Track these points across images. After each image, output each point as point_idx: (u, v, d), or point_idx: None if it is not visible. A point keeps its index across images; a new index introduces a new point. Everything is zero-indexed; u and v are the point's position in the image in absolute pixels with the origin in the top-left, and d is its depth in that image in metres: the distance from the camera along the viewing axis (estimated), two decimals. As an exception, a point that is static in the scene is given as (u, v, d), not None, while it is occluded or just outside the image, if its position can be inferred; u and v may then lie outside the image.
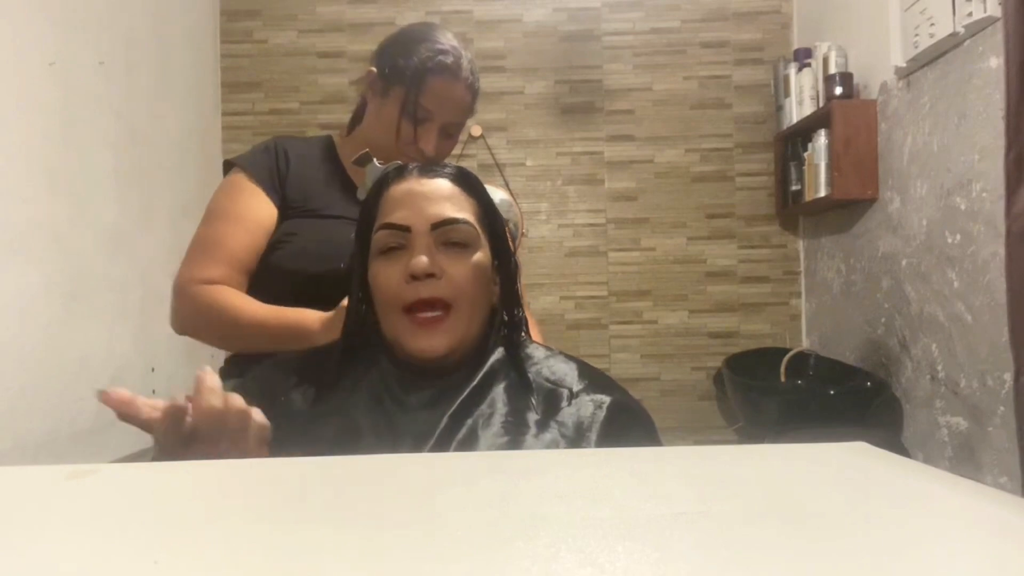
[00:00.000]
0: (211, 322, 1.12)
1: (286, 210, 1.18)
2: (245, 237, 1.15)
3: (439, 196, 0.87)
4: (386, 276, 0.85)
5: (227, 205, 1.18)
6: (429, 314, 0.83)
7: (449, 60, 1.20)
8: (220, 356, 1.20)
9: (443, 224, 0.85)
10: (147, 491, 0.55)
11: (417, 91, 1.19)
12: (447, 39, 1.23)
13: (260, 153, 1.22)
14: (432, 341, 0.83)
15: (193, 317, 1.14)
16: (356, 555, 0.40)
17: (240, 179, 1.19)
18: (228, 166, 1.23)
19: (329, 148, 1.29)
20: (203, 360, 1.09)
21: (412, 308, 0.84)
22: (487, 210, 0.91)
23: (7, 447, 1.69)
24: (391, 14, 2.92)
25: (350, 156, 1.23)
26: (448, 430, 0.79)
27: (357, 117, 1.35)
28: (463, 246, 0.86)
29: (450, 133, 1.26)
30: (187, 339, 1.18)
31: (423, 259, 0.83)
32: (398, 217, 0.86)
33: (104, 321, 2.10)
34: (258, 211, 1.17)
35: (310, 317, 1.05)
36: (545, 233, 2.91)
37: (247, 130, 2.91)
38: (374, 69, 1.25)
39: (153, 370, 2.29)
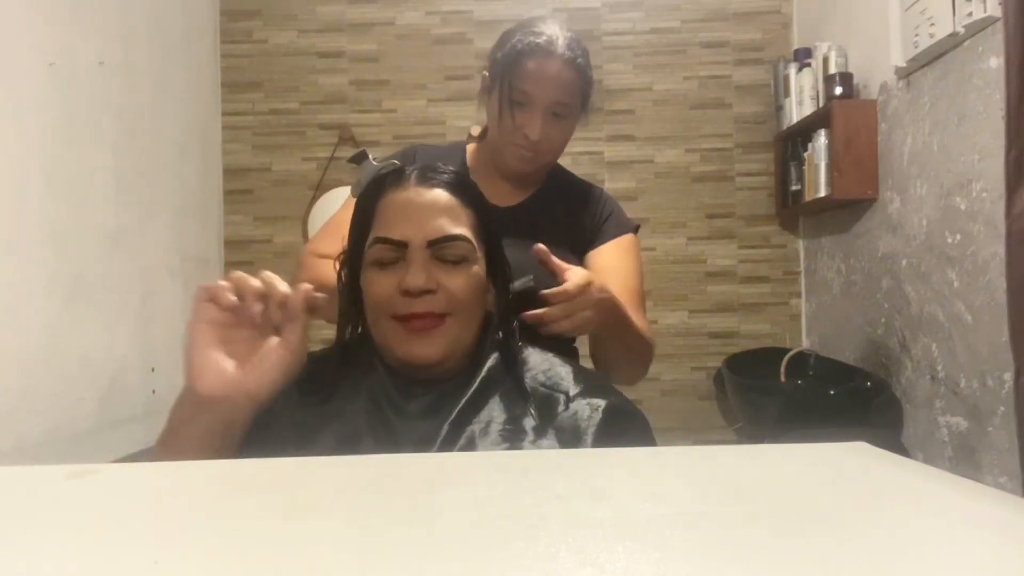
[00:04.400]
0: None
1: None
2: None
3: (436, 209, 0.86)
4: (380, 287, 0.84)
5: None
6: (421, 322, 0.83)
7: (541, 40, 1.17)
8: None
9: (440, 241, 0.84)
10: (147, 491, 0.55)
11: (511, 75, 1.17)
12: (543, 24, 1.20)
13: (398, 158, 1.21)
14: (425, 348, 0.82)
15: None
16: (356, 555, 0.40)
17: None
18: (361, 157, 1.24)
19: (461, 157, 1.29)
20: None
21: (404, 318, 0.83)
22: (483, 217, 0.91)
23: (7, 447, 1.69)
24: (391, 14, 2.92)
25: (479, 166, 1.25)
26: (448, 438, 0.79)
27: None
28: (460, 260, 0.85)
29: (558, 114, 1.21)
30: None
31: (420, 276, 0.82)
32: (395, 232, 0.85)
33: (104, 321, 2.10)
34: None
35: None
36: (545, 233, 2.90)
37: (247, 130, 2.91)
38: (485, 73, 1.25)
39: (153, 370, 2.29)
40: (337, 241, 1.14)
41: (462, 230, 0.86)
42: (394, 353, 0.84)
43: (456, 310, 0.84)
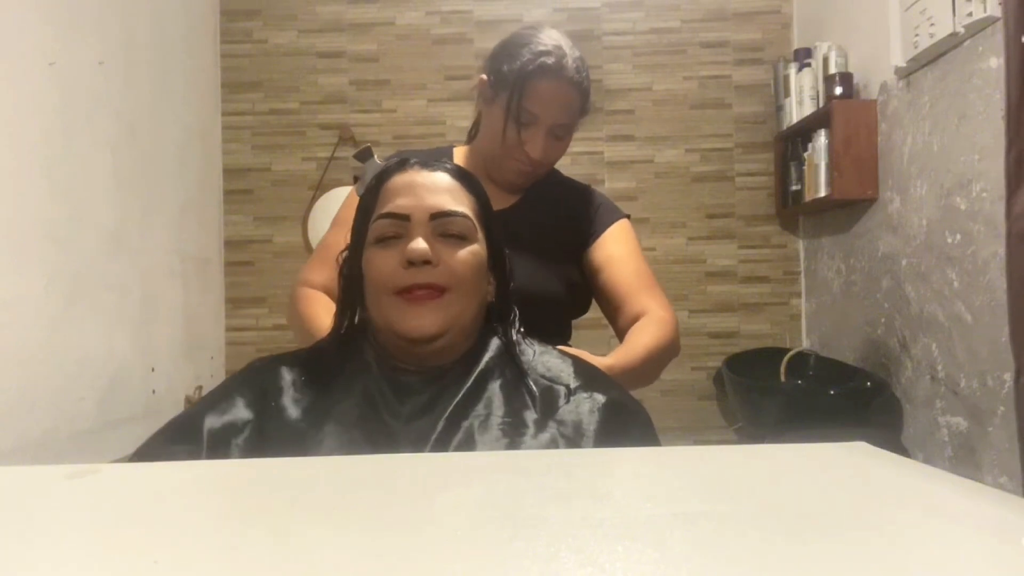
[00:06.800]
0: (295, 323, 1.21)
1: None
2: None
3: (439, 188, 0.88)
4: (381, 262, 0.85)
5: (345, 215, 1.21)
6: (422, 292, 0.83)
7: (551, 61, 1.18)
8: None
9: (442, 215, 0.86)
10: (147, 491, 0.55)
11: (520, 94, 1.18)
12: (551, 39, 1.20)
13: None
14: (424, 319, 0.83)
15: (289, 316, 1.25)
16: (356, 555, 0.40)
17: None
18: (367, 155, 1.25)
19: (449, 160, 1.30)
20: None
21: (405, 291, 0.84)
22: (484, 207, 0.92)
23: (7, 447, 1.69)
24: (391, 14, 2.92)
25: (468, 168, 1.25)
26: (445, 433, 0.79)
27: (477, 126, 1.34)
28: (460, 237, 0.86)
29: (558, 135, 1.23)
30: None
31: (422, 244, 0.83)
32: (398, 206, 0.86)
33: (104, 321, 2.09)
34: None
35: None
36: (545, 233, 2.90)
37: (247, 130, 2.91)
38: (484, 77, 1.24)
39: (153, 370, 2.29)
40: (328, 266, 1.17)
41: (464, 209, 0.87)
42: (393, 328, 0.84)
43: (456, 286, 0.84)
